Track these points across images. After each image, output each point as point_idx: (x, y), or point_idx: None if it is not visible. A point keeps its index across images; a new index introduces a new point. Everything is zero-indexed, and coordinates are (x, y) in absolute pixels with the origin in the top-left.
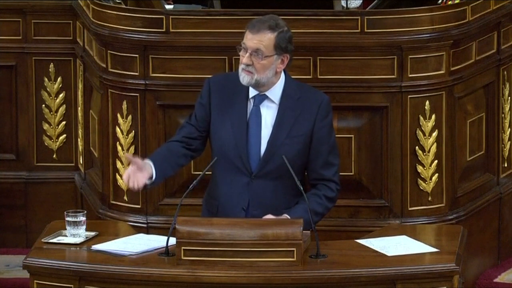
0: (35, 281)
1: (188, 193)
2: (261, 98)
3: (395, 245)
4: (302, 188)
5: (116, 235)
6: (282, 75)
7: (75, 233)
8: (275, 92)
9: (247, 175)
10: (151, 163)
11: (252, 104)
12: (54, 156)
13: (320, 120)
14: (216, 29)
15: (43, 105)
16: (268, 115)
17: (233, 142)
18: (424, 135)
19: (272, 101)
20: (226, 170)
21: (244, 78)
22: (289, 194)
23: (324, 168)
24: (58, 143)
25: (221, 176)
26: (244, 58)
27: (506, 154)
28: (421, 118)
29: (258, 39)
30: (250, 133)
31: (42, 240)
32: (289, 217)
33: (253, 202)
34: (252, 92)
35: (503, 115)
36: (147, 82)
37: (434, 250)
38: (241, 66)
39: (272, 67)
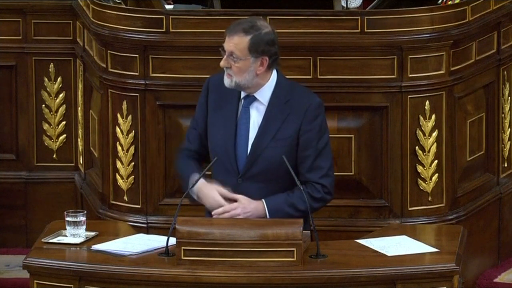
0: (35, 281)
1: (188, 193)
2: (250, 99)
3: (395, 245)
4: (302, 188)
5: (116, 235)
6: (274, 76)
7: (75, 233)
8: (264, 93)
9: (235, 176)
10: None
11: (242, 105)
12: (54, 156)
13: (306, 124)
14: (216, 29)
15: (43, 105)
16: (257, 116)
17: (222, 143)
18: (424, 135)
19: (261, 103)
20: (218, 170)
21: (225, 81)
22: None
23: (310, 172)
24: (58, 143)
25: (214, 177)
26: (222, 60)
27: (506, 154)
28: (421, 118)
29: (233, 42)
30: (238, 134)
31: (42, 240)
32: (265, 203)
33: None
34: (243, 93)
35: (503, 115)
36: (147, 82)
37: (434, 250)
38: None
39: (249, 70)
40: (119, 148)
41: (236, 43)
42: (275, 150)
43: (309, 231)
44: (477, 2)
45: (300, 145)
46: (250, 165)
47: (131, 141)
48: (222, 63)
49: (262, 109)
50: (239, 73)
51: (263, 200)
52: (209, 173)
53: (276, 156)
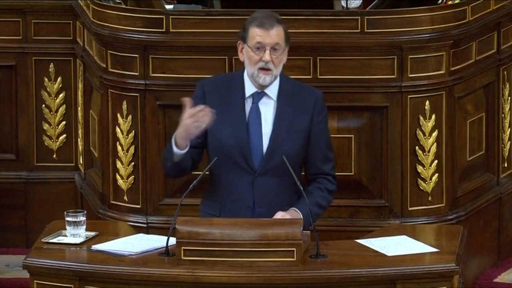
0: (35, 281)
1: (188, 193)
2: (260, 95)
3: (395, 245)
4: (302, 188)
5: (116, 235)
6: None
7: (75, 233)
8: (273, 88)
9: (250, 173)
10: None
11: (250, 102)
12: (54, 156)
13: (317, 115)
14: (216, 29)
15: (43, 105)
16: (267, 112)
17: (234, 142)
18: (424, 135)
19: (270, 98)
20: (228, 170)
21: (265, 78)
22: (292, 190)
23: (323, 163)
24: (58, 143)
25: (223, 177)
26: (265, 55)
27: (506, 154)
28: (421, 118)
29: (275, 34)
30: (251, 131)
31: (42, 240)
32: (298, 211)
33: (258, 199)
34: (249, 90)
35: (503, 115)
36: (147, 82)
37: (434, 250)
38: (257, 66)
39: (283, 60)
40: (119, 148)
41: (277, 34)
42: (291, 143)
43: (309, 231)
44: (477, 2)
45: (313, 136)
46: (267, 160)
47: (131, 141)
48: (267, 58)
49: (272, 104)
50: (278, 65)
51: (294, 208)
52: (207, 173)
53: (291, 149)
